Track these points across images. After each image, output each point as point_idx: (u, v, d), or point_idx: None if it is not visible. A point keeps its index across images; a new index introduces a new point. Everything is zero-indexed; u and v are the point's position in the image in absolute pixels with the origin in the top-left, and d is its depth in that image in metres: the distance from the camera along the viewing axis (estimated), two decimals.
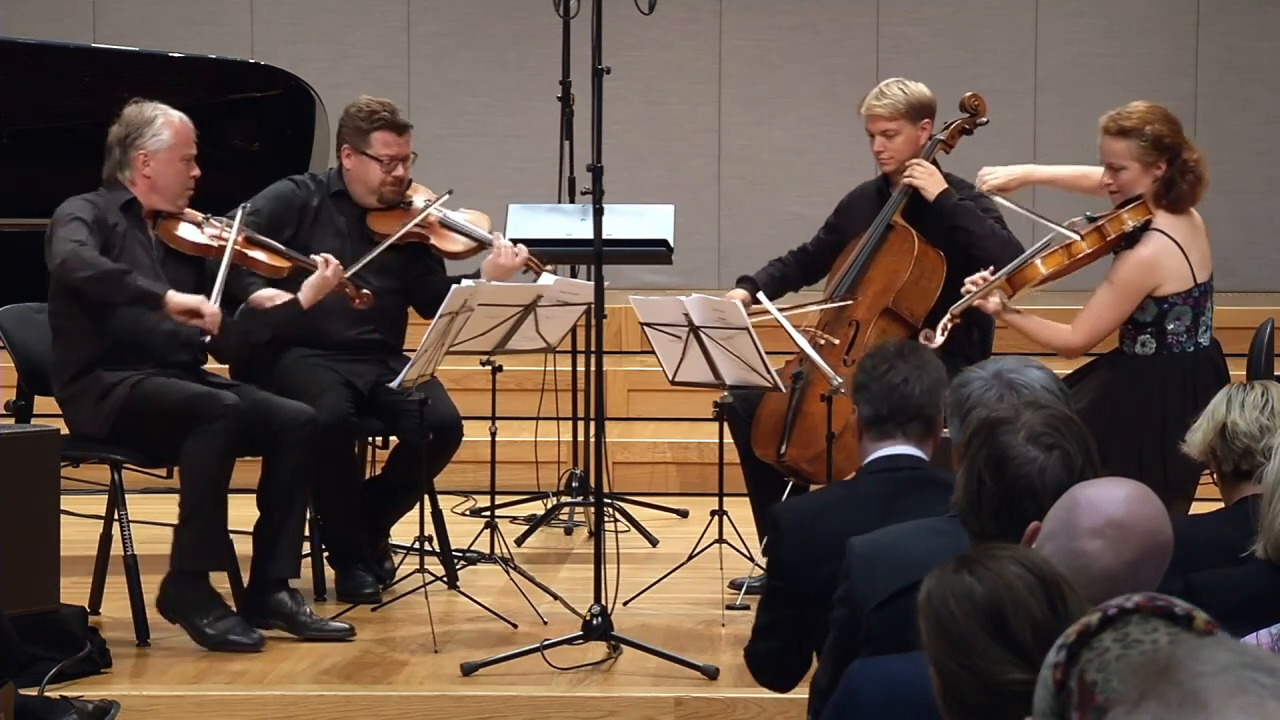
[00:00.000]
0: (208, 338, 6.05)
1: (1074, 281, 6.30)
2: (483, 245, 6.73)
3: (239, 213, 6.25)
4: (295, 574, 6.21)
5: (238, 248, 6.17)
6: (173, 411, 5.96)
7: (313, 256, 6.32)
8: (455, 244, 6.75)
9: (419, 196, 6.72)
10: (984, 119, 6.80)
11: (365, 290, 6.35)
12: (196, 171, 6.20)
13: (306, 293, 6.27)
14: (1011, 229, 6.56)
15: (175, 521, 6.06)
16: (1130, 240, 5.99)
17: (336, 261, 6.30)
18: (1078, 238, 6.00)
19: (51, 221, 6.06)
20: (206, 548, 5.99)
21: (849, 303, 6.52)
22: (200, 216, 6.23)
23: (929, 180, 6.52)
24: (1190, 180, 5.96)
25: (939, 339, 6.10)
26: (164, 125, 6.15)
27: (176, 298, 5.95)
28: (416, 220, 6.56)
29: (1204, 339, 5.99)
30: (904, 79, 6.70)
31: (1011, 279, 6.09)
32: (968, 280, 6.15)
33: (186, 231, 6.20)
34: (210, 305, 5.96)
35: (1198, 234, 6.01)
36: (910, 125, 6.59)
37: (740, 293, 6.66)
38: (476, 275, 6.61)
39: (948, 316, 6.15)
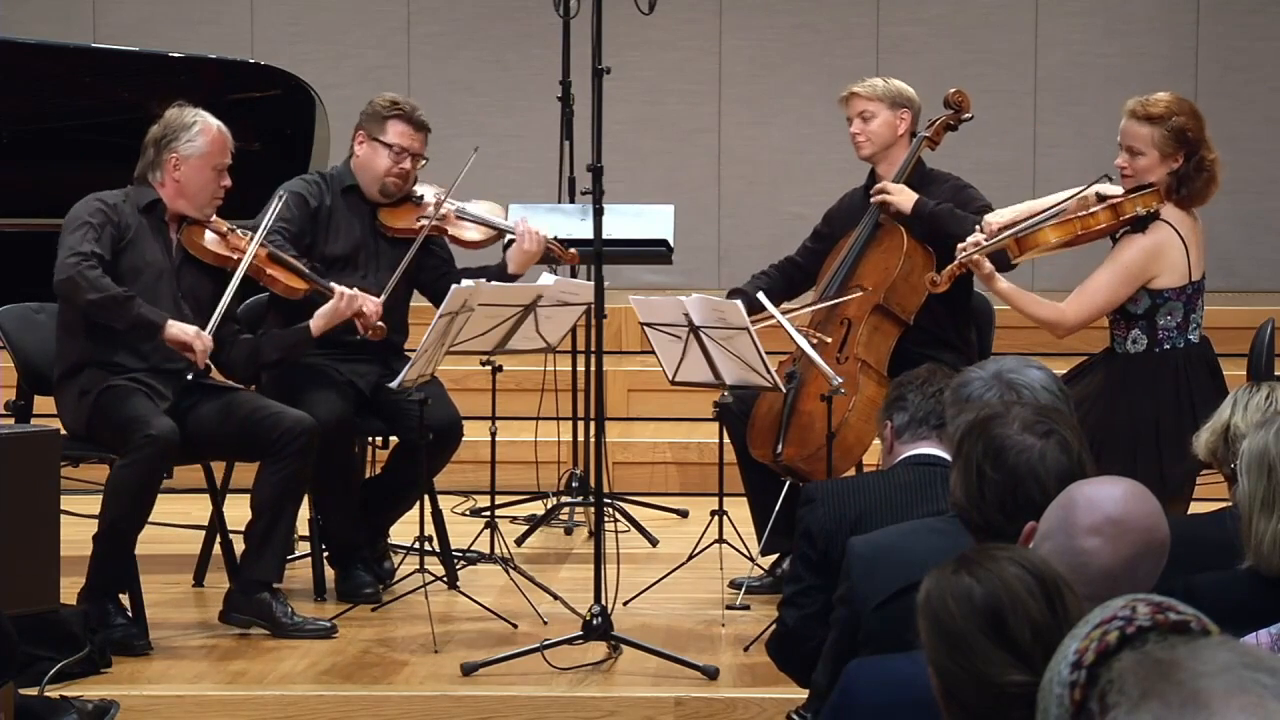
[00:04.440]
0: (190, 375, 6.03)
1: (1060, 279, 6.30)
2: (501, 234, 6.73)
3: (265, 223, 6.22)
4: (278, 579, 6.20)
5: (257, 263, 6.15)
6: (116, 426, 5.97)
7: (333, 285, 6.29)
8: (473, 233, 6.74)
9: (428, 191, 6.70)
10: (969, 115, 6.81)
11: (379, 324, 6.32)
12: (227, 182, 6.17)
13: (318, 321, 6.25)
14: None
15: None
16: (1136, 227, 5.99)
17: (354, 294, 6.25)
18: (1092, 211, 6.02)
19: (65, 222, 6.04)
20: (110, 569, 5.96)
21: (842, 300, 6.52)
22: (225, 227, 6.20)
23: (899, 197, 6.54)
24: (1204, 179, 5.98)
25: (945, 284, 6.15)
26: (200, 132, 6.13)
27: (173, 329, 5.97)
28: (432, 219, 6.54)
29: (1194, 336, 6.00)
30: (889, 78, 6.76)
31: (1020, 240, 6.06)
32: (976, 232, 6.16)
33: (209, 241, 6.18)
34: (203, 339, 5.98)
35: (1199, 233, 6.04)
36: (888, 110, 6.62)
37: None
38: (490, 272, 6.61)
39: (955, 263, 6.13)
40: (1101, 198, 6.05)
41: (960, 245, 6.12)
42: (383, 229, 6.64)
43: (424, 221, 6.56)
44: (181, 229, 6.17)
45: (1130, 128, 6.02)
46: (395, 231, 6.63)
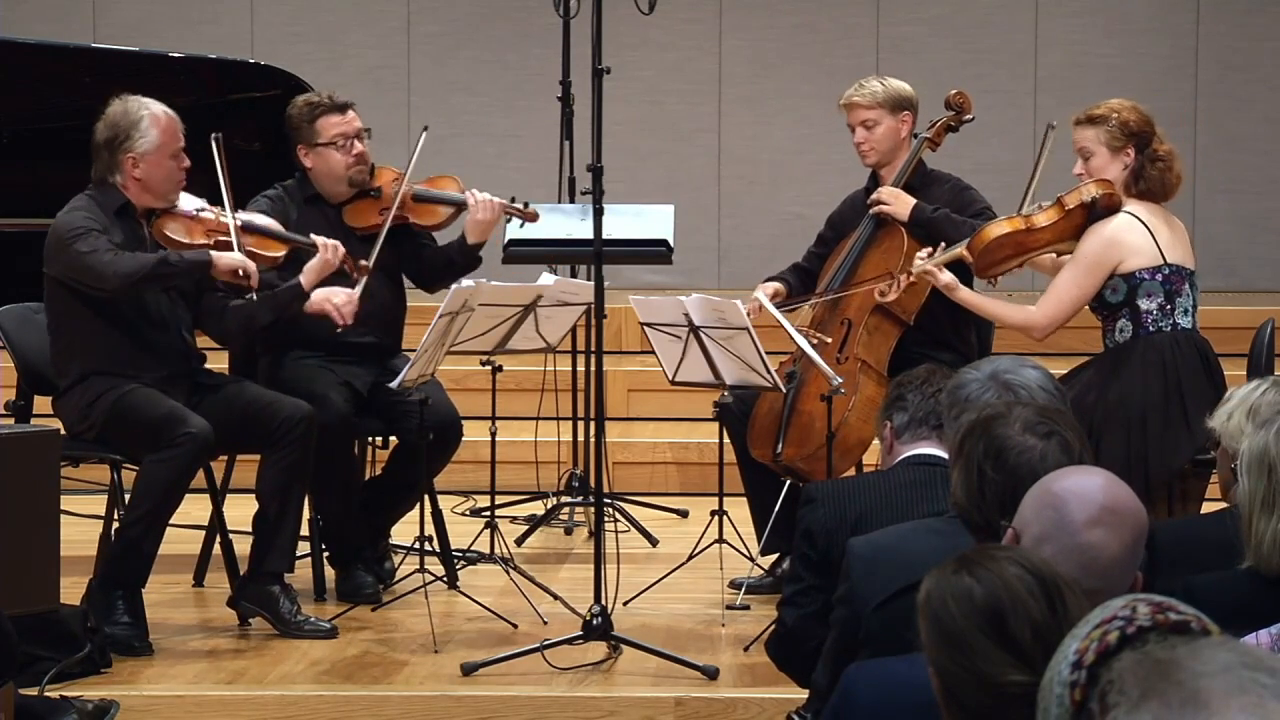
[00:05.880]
0: (252, 294, 6.08)
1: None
2: (459, 208, 6.71)
3: (224, 200, 6.21)
4: (289, 569, 6.21)
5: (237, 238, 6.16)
6: (145, 427, 5.97)
7: (314, 238, 6.31)
8: (435, 216, 6.74)
9: (386, 176, 6.71)
10: (970, 116, 6.81)
11: (363, 261, 6.34)
12: (186, 163, 6.16)
13: (308, 275, 6.27)
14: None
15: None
16: (1092, 219, 6.03)
17: (336, 243, 6.29)
18: (1039, 204, 6.10)
19: (58, 237, 6.02)
20: (128, 563, 5.97)
21: (841, 296, 6.53)
22: (193, 210, 6.20)
23: (897, 204, 6.54)
24: (1160, 169, 6.03)
25: (892, 295, 6.25)
26: (150, 125, 6.11)
27: (222, 258, 6.03)
28: (395, 204, 6.56)
29: (1183, 321, 5.98)
30: (885, 76, 6.76)
31: (969, 244, 6.12)
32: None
33: (178, 234, 6.16)
34: (249, 261, 6.06)
35: (1171, 226, 6.07)
36: (889, 116, 6.61)
37: (775, 285, 6.68)
38: (451, 248, 6.61)
39: (907, 277, 6.20)
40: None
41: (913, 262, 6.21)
42: (351, 230, 6.65)
43: (386, 213, 6.57)
44: (151, 223, 6.17)
45: (1078, 135, 6.15)
46: (362, 230, 6.65)
